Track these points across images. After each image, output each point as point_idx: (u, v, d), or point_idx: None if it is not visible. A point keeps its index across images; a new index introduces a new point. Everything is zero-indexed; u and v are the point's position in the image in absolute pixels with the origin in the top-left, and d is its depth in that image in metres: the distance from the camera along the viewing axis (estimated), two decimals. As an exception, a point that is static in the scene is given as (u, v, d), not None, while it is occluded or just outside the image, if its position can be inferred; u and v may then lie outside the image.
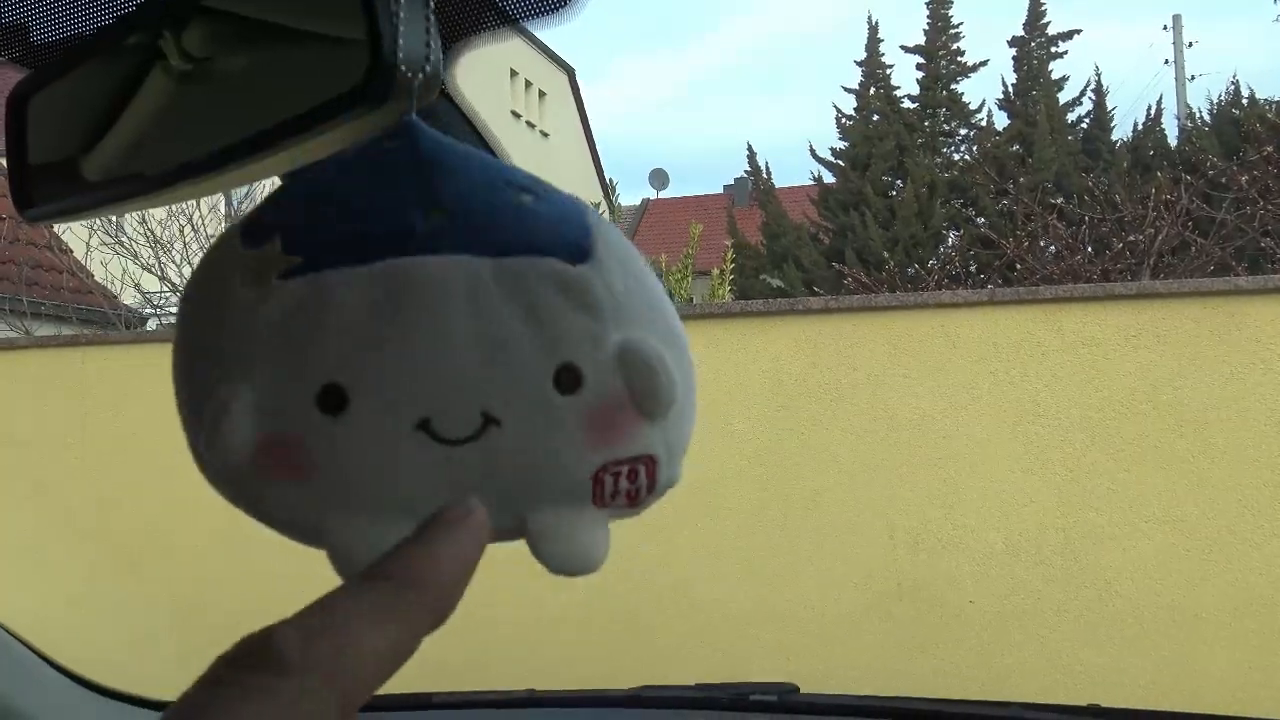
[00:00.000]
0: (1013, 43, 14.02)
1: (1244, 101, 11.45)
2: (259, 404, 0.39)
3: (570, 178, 17.26)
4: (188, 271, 7.97)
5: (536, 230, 0.41)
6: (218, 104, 0.40)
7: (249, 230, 0.41)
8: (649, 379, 0.40)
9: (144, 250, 7.96)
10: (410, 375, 0.39)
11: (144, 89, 0.41)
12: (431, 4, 0.38)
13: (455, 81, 0.51)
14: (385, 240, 0.40)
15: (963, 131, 14.32)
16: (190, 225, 7.94)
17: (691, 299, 8.72)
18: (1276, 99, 11.06)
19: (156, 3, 0.42)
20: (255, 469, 0.39)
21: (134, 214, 7.96)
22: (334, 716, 0.30)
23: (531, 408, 0.39)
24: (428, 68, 0.37)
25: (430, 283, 0.39)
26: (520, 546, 0.41)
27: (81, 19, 0.52)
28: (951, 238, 12.64)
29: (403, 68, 0.35)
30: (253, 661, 0.30)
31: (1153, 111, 12.81)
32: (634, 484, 0.41)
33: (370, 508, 0.39)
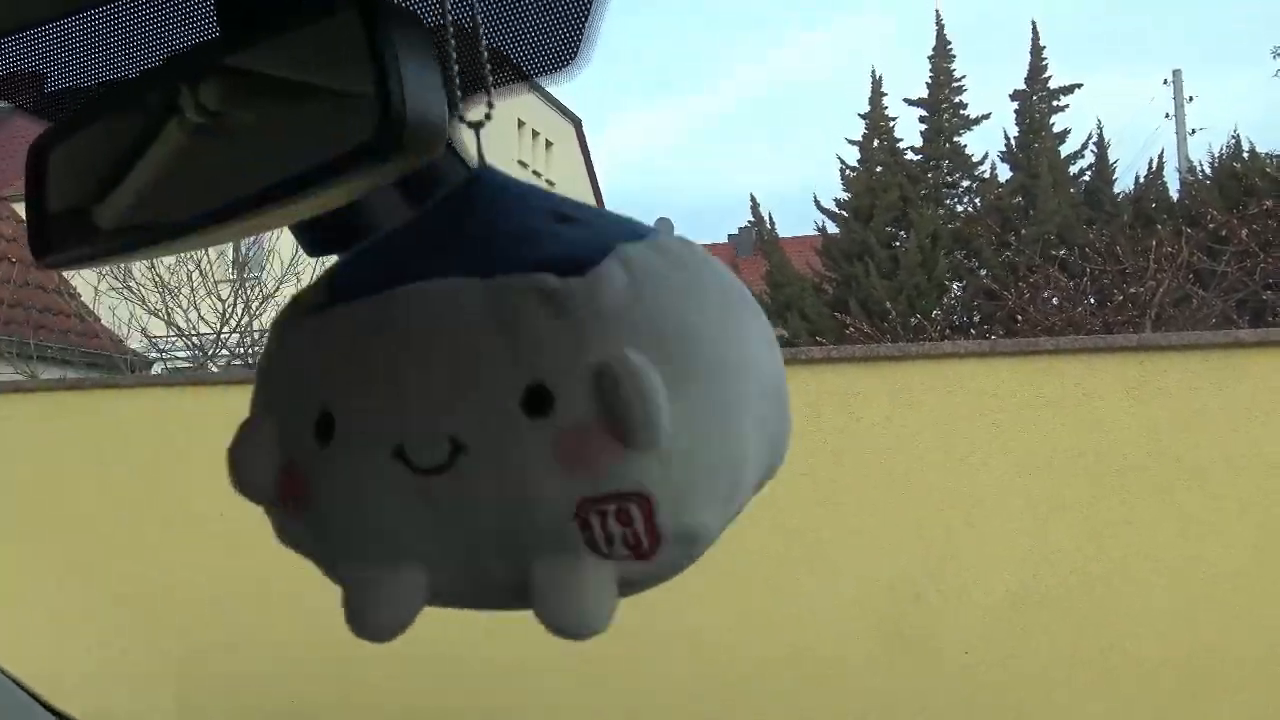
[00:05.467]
0: (1014, 96, 14.15)
1: (1245, 155, 11.52)
2: (281, 435, 0.39)
3: (575, 226, 17.32)
4: (194, 317, 8.01)
5: (546, 250, 0.39)
6: (230, 156, 0.41)
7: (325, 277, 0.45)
8: (623, 400, 0.36)
9: (152, 295, 7.99)
10: (384, 400, 0.37)
11: (159, 141, 0.42)
12: (437, 63, 0.39)
13: (465, 136, 0.53)
14: (398, 272, 0.41)
15: (966, 183, 14.41)
16: (199, 271, 7.98)
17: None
18: (1277, 153, 11.14)
19: (178, 59, 0.43)
20: (277, 498, 0.41)
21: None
22: None
23: (498, 431, 0.36)
24: (434, 122, 0.38)
25: (418, 306, 0.39)
26: None
27: (98, 71, 0.54)
28: (955, 288, 12.67)
29: (410, 123, 0.37)
30: None
31: (1154, 165, 12.90)
32: (628, 528, 0.37)
33: (361, 544, 0.38)
